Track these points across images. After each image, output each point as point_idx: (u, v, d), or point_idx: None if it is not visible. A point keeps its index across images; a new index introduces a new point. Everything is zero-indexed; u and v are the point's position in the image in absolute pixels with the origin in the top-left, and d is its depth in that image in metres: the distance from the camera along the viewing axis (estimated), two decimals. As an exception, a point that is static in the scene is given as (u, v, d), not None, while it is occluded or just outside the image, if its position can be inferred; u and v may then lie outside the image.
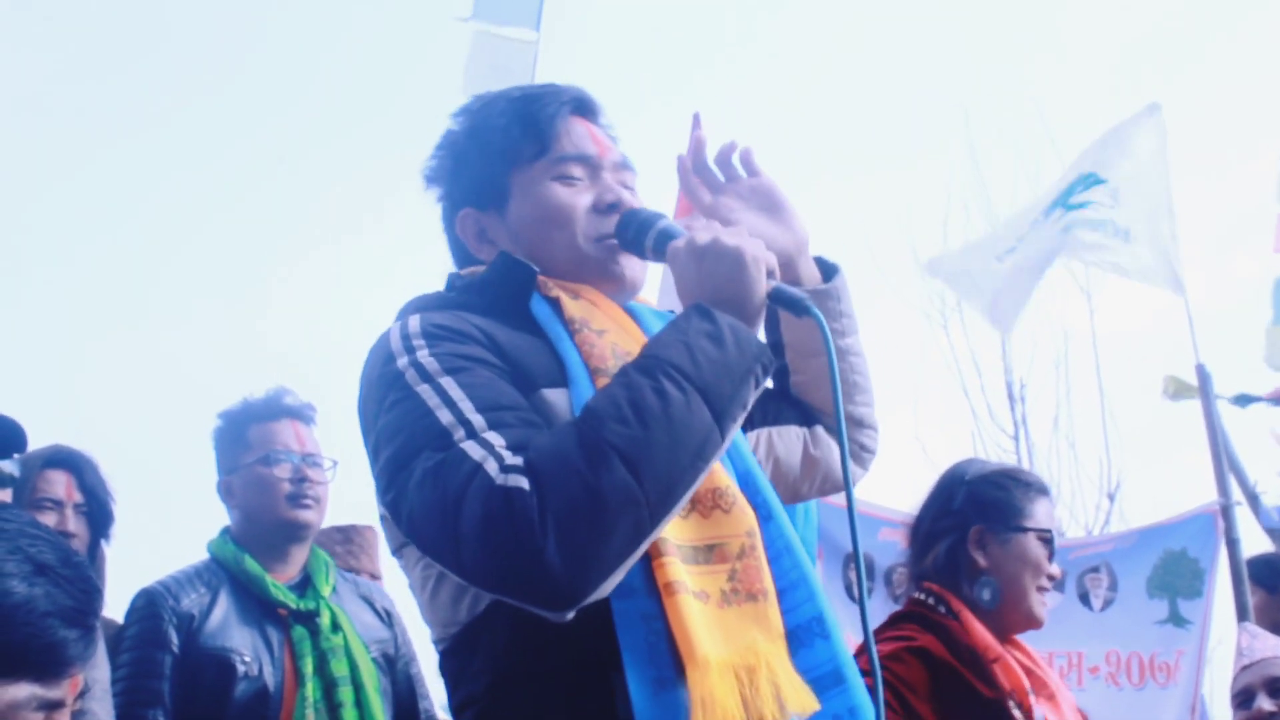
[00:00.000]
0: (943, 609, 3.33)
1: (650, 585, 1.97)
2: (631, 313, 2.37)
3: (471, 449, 1.91)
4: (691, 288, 2.09)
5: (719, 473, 2.10)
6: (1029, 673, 3.41)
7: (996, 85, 19.67)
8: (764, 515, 2.14)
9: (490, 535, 1.83)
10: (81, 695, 1.50)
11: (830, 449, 2.59)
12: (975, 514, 3.42)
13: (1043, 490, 3.59)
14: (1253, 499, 6.79)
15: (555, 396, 2.11)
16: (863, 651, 2.09)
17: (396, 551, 2.21)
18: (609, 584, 1.87)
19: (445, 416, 1.97)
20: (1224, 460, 6.74)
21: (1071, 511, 13.06)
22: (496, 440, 1.92)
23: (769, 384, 2.37)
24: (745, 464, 2.21)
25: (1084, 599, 6.38)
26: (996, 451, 13.33)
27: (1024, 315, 7.61)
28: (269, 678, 3.78)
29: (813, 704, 1.99)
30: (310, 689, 3.78)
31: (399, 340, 2.12)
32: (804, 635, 2.08)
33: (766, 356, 2.04)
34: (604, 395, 1.93)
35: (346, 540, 5.25)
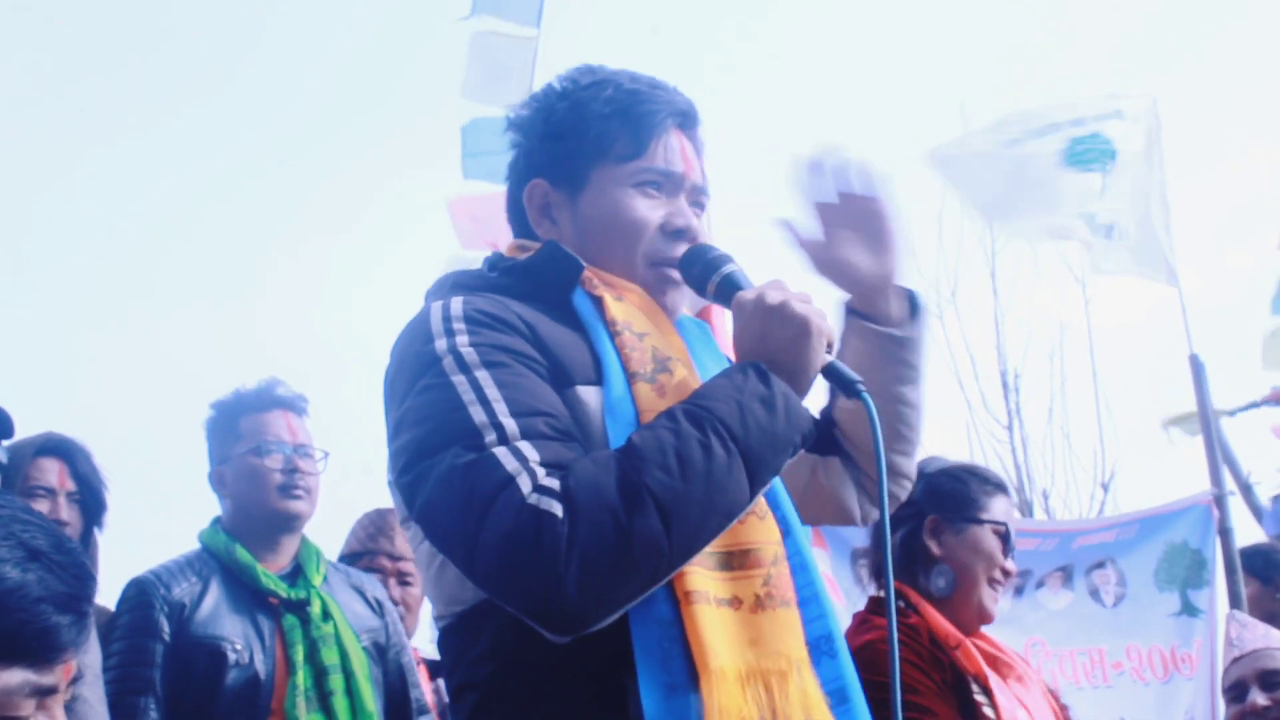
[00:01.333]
0: (902, 603, 3.32)
1: (669, 593, 1.96)
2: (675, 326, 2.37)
3: (505, 458, 1.90)
4: (752, 344, 2.10)
5: None
6: (994, 659, 3.41)
7: (993, 79, 19.66)
8: (783, 530, 2.14)
9: (512, 551, 1.84)
10: (74, 681, 1.50)
11: (843, 482, 2.57)
12: (931, 504, 3.41)
13: (1001, 488, 3.59)
14: (1246, 489, 6.81)
15: (589, 395, 2.10)
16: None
17: (404, 522, 2.19)
18: (613, 617, 1.88)
19: (478, 415, 1.96)
20: (1218, 451, 6.76)
21: (1065, 502, 13.08)
22: (531, 454, 1.91)
23: None
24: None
25: (1095, 595, 6.39)
26: (990, 442, 13.34)
27: (1020, 221, 7.57)
28: (260, 666, 3.78)
29: (828, 718, 2.01)
30: (301, 677, 3.79)
31: (440, 321, 2.10)
32: (813, 653, 2.08)
33: (809, 429, 2.07)
34: (651, 437, 1.92)
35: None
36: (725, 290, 2.23)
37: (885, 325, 2.40)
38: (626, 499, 1.84)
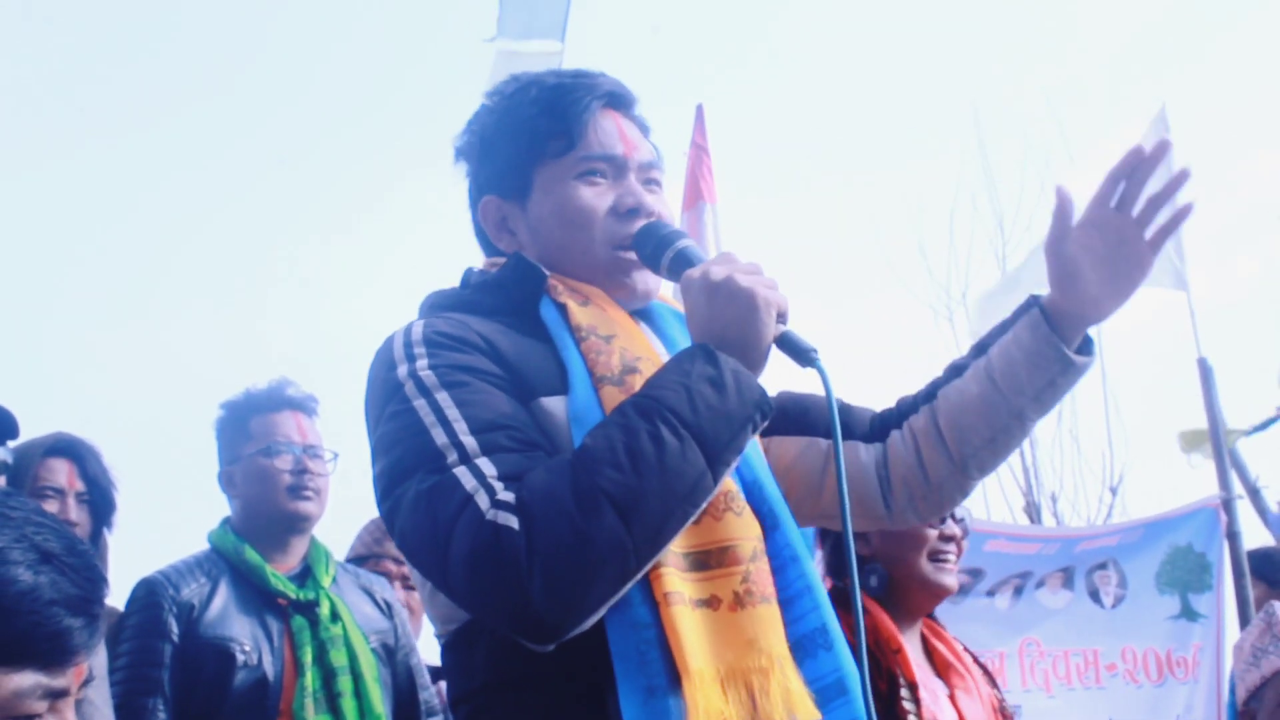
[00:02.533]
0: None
1: (646, 595, 1.96)
2: (649, 314, 2.37)
3: (464, 477, 1.91)
4: (700, 323, 2.08)
5: (731, 481, 2.09)
6: (946, 665, 3.39)
7: (1005, 78, 19.65)
8: (770, 524, 2.12)
9: (477, 570, 1.85)
10: (85, 684, 1.50)
11: (863, 476, 2.50)
12: None
13: None
14: (1254, 493, 6.81)
15: (554, 405, 2.10)
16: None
17: None
18: (591, 620, 1.88)
19: (440, 437, 1.98)
20: (1225, 455, 6.75)
21: (1074, 505, 13.06)
22: (488, 470, 1.92)
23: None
24: (754, 472, 2.19)
25: (1094, 596, 6.38)
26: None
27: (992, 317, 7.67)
28: (268, 667, 3.78)
29: (814, 714, 1.99)
30: (310, 678, 3.79)
31: (401, 347, 2.12)
32: (809, 645, 2.07)
33: (767, 403, 2.03)
34: (601, 436, 1.92)
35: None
36: (677, 267, 2.22)
37: (1065, 343, 2.35)
38: (581, 502, 1.84)
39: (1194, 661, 6.44)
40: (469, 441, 1.96)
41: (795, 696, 1.97)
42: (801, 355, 2.12)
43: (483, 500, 1.88)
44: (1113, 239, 2.31)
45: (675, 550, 1.99)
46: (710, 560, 2.02)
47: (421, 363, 2.07)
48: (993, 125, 20.02)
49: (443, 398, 2.02)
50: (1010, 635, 6.10)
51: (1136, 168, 2.28)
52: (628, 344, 2.17)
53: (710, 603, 1.99)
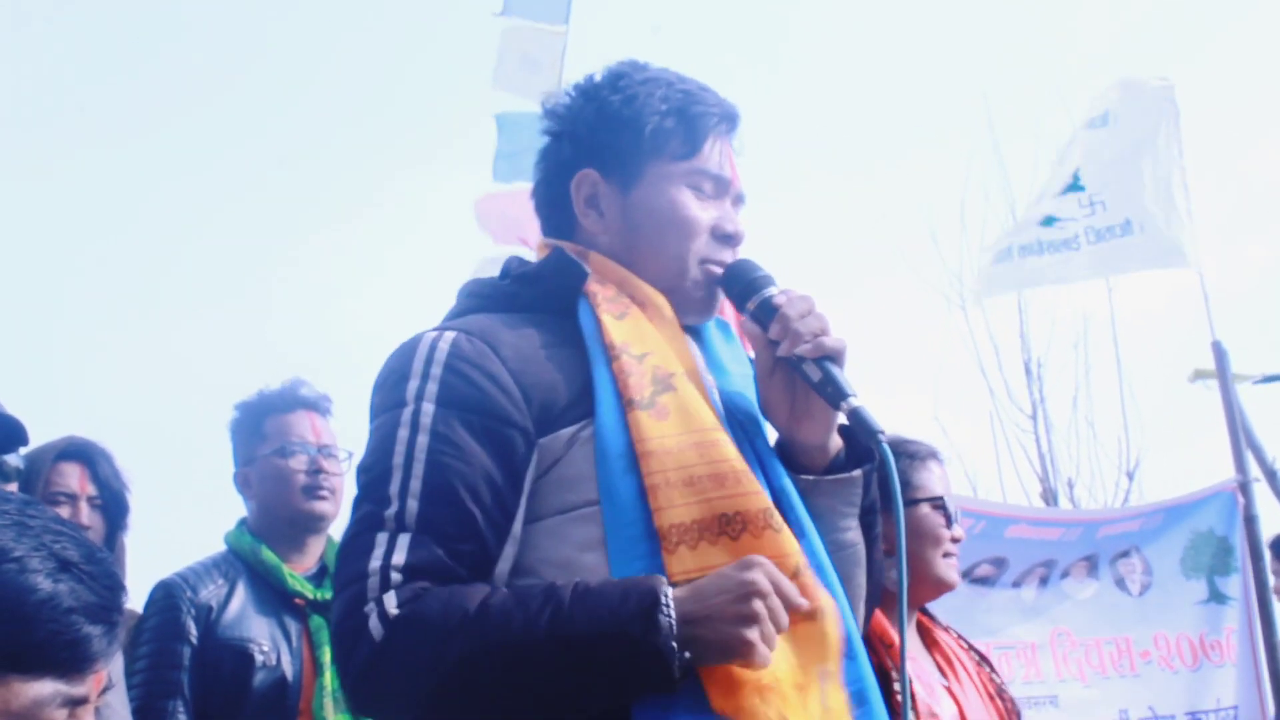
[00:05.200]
0: None
1: None
2: (699, 328, 2.38)
3: (378, 547, 2.01)
4: (699, 591, 1.95)
5: (763, 494, 2.09)
6: (946, 659, 3.40)
7: (1016, 67, 19.60)
8: (798, 533, 2.13)
9: (338, 638, 2.02)
10: (105, 691, 1.50)
11: None
12: None
13: (931, 454, 3.55)
14: (1271, 476, 6.78)
15: (558, 440, 2.11)
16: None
17: None
18: None
19: (394, 484, 2.05)
20: (1241, 438, 6.74)
21: (1090, 490, 13.04)
22: (399, 555, 1.99)
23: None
24: (779, 479, 2.20)
25: (1121, 585, 6.37)
26: (1015, 431, 13.30)
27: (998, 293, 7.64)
28: (287, 667, 3.79)
29: None
30: (329, 678, 3.79)
31: (423, 360, 2.14)
32: None
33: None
34: (503, 616, 1.92)
35: None
36: (761, 315, 2.23)
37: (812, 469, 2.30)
38: (435, 666, 1.92)
39: (1229, 645, 6.43)
40: (412, 506, 2.03)
41: (833, 713, 2.00)
42: (868, 435, 2.15)
43: (371, 589, 1.97)
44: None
45: (711, 570, 1.99)
46: None
47: (431, 387, 2.11)
48: (1004, 113, 19.95)
49: (421, 443, 2.07)
50: (1040, 626, 6.09)
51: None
52: (662, 360, 2.17)
53: None
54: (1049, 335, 13.56)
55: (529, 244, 6.10)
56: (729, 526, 2.03)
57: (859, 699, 2.07)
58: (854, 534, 2.29)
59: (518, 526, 2.08)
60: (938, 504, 3.42)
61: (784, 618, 1.94)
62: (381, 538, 2.01)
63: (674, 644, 1.87)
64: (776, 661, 1.96)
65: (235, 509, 4.19)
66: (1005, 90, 21.15)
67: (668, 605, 1.89)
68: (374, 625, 1.93)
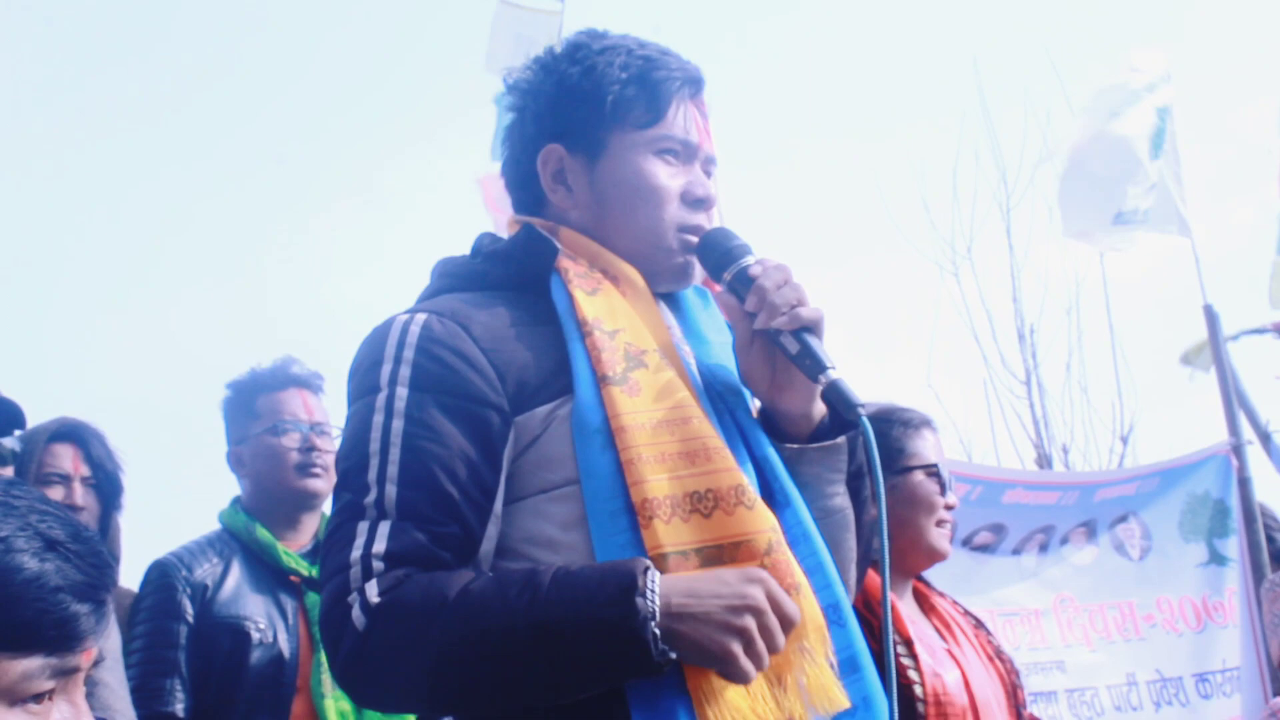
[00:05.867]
0: None
1: None
2: (675, 296, 2.38)
3: (359, 536, 2.01)
4: (689, 589, 1.94)
5: (736, 470, 2.09)
6: (946, 622, 3.41)
7: (1005, 31, 19.54)
8: (782, 501, 2.14)
9: (324, 627, 2.02)
10: (96, 665, 1.51)
11: None
12: None
13: (924, 422, 3.56)
14: (1264, 438, 6.80)
15: (535, 417, 2.11)
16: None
17: None
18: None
19: (372, 471, 2.05)
20: (1235, 400, 6.75)
21: (1085, 455, 13.05)
22: (379, 543, 1.99)
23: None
24: (762, 449, 2.20)
25: (1120, 549, 6.38)
26: (1009, 397, 13.31)
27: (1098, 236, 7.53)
28: (284, 644, 3.80)
29: (842, 701, 2.03)
30: (325, 655, 3.78)
31: (394, 345, 2.14)
32: None
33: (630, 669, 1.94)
34: (482, 600, 1.93)
35: None
36: (736, 286, 2.23)
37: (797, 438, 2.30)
38: (415, 651, 1.93)
39: (1231, 605, 6.45)
40: (390, 492, 2.03)
41: (813, 692, 2.00)
42: (847, 409, 2.14)
43: (354, 579, 1.97)
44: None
45: (690, 548, 2.00)
46: (723, 556, 2.02)
47: (404, 370, 2.10)
48: (993, 78, 19.88)
49: (396, 428, 2.07)
50: (1042, 592, 6.10)
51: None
52: (634, 337, 2.17)
53: None
54: (1041, 301, 13.53)
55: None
56: (700, 504, 2.02)
57: (850, 665, 2.08)
58: (841, 499, 2.29)
59: (498, 505, 2.08)
60: (932, 471, 3.43)
61: (779, 639, 1.94)
62: (362, 526, 2.01)
63: (653, 628, 1.86)
64: None
65: (229, 488, 4.20)
66: (994, 55, 21.08)
67: (648, 589, 1.88)
68: (356, 615, 1.94)
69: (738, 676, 1.90)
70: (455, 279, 2.31)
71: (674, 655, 1.89)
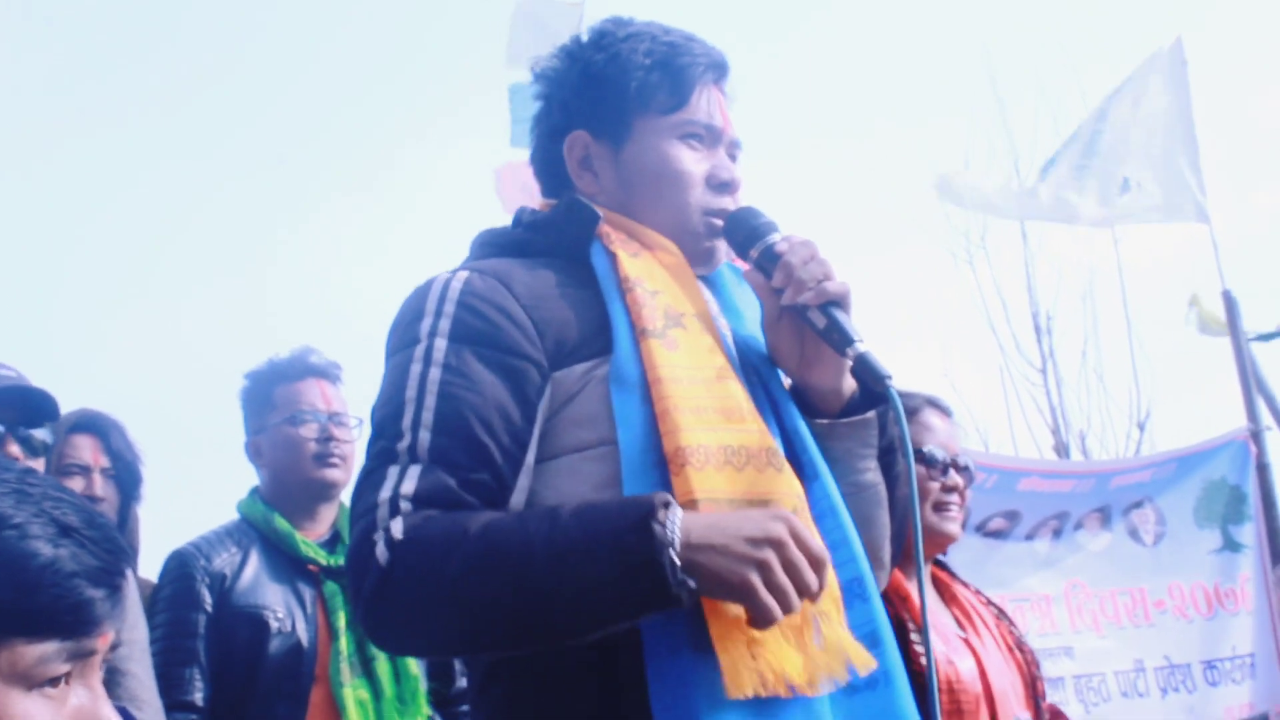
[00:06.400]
0: None
1: None
2: (709, 277, 2.38)
3: (388, 480, 2.02)
4: (712, 524, 1.91)
5: (766, 433, 2.10)
6: (965, 612, 3.41)
7: (1020, 22, 19.50)
8: (810, 474, 2.15)
9: (351, 569, 2.01)
10: (113, 649, 1.52)
11: None
12: None
13: (925, 404, 3.55)
14: (1283, 424, 6.79)
15: (573, 374, 2.11)
16: None
17: None
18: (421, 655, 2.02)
19: (407, 417, 2.05)
20: (1253, 386, 6.74)
21: (1102, 442, 13.06)
22: (409, 485, 1.99)
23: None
24: (793, 421, 2.21)
25: (1134, 535, 6.38)
26: (1025, 385, 13.31)
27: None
28: (302, 634, 3.81)
29: (868, 662, 2.02)
30: (344, 643, 3.81)
31: (435, 299, 2.15)
32: (845, 596, 2.09)
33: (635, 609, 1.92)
34: (503, 534, 1.92)
35: None
36: (764, 261, 2.24)
37: (828, 413, 2.30)
38: (440, 582, 1.91)
39: (1244, 592, 6.44)
40: (424, 437, 2.03)
41: (829, 652, 1.99)
42: (875, 380, 2.14)
43: (381, 519, 1.97)
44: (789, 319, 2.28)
45: (722, 499, 2.00)
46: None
47: (444, 324, 2.11)
48: (1006, 67, 19.86)
49: (433, 376, 2.07)
50: (1054, 578, 6.11)
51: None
52: (673, 299, 2.19)
53: None
54: (1057, 288, 13.59)
55: None
56: (733, 458, 2.03)
57: (872, 640, 2.07)
58: (874, 474, 2.29)
59: (530, 457, 2.09)
60: (919, 456, 3.42)
61: (807, 576, 1.89)
62: (393, 470, 2.01)
63: (671, 555, 1.84)
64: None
65: (247, 478, 4.22)
66: (1007, 44, 21.04)
67: (669, 519, 1.86)
68: (380, 551, 1.94)
69: (760, 611, 1.87)
70: (495, 248, 2.34)
71: (692, 585, 1.86)
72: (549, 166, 2.44)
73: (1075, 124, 7.63)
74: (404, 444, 2.03)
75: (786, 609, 1.88)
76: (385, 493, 1.99)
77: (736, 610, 1.92)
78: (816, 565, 1.91)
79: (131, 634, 3.41)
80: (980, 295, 13.95)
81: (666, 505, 1.88)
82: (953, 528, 3.47)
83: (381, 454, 2.05)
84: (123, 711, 1.59)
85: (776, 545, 1.88)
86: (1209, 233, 7.09)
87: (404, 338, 2.15)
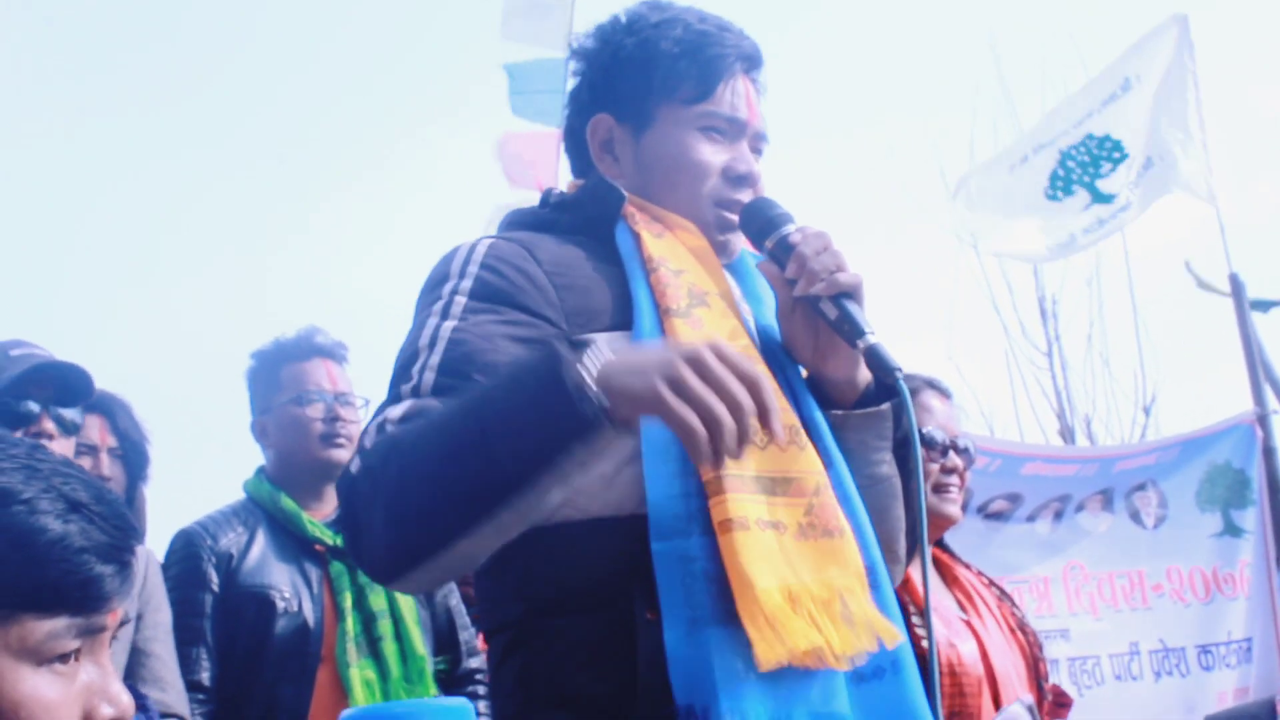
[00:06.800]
0: None
1: (694, 525, 1.97)
2: (730, 265, 2.37)
3: (385, 412, 1.98)
4: (626, 361, 1.81)
5: (791, 412, 2.12)
6: (967, 594, 3.42)
7: (1025, 9, 19.45)
8: (826, 461, 2.15)
9: (341, 500, 1.97)
10: (122, 624, 1.53)
11: None
12: None
13: (924, 385, 3.56)
14: (1289, 408, 6.77)
15: (614, 340, 2.04)
16: None
17: None
18: (426, 571, 1.89)
19: (419, 361, 2.04)
20: (1260, 370, 6.73)
21: (1108, 426, 13.04)
22: (397, 410, 1.97)
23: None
24: (809, 410, 2.21)
25: (1135, 518, 6.38)
26: (1030, 369, 13.30)
27: (1015, 248, 7.68)
28: (309, 613, 3.82)
29: (895, 635, 2.03)
30: (350, 623, 3.82)
31: (460, 262, 2.16)
32: None
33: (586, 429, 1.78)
34: (438, 416, 1.89)
35: None
36: (780, 252, 2.24)
37: (841, 403, 2.30)
38: (394, 482, 1.86)
39: (1242, 577, 6.44)
40: (428, 378, 2.01)
41: (858, 625, 1.99)
42: (885, 373, 2.15)
43: (368, 439, 1.95)
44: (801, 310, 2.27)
45: (748, 474, 2.00)
46: (777, 488, 2.04)
47: (465, 283, 2.12)
48: (1010, 48, 19.82)
49: (447, 326, 2.06)
50: (1053, 559, 6.12)
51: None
52: (697, 279, 2.19)
53: (777, 527, 2.01)
54: (1062, 272, 13.52)
55: (543, 189, 6.11)
56: (755, 435, 2.01)
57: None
58: (888, 467, 2.29)
59: None
60: (925, 440, 3.43)
61: (732, 386, 1.73)
62: (391, 409, 2.00)
63: (578, 371, 1.74)
64: (798, 571, 1.97)
65: (253, 458, 4.24)
66: (1011, 26, 21.00)
67: (583, 355, 1.77)
68: (355, 463, 1.93)
69: (676, 423, 1.72)
70: (523, 226, 2.35)
71: (607, 404, 1.73)
72: (576, 146, 2.45)
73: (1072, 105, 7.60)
74: (408, 385, 2.02)
75: (711, 424, 1.71)
76: (378, 418, 1.99)
77: (765, 582, 1.91)
78: (748, 382, 1.75)
79: (156, 615, 3.44)
80: (985, 278, 13.93)
81: (582, 343, 1.80)
82: (952, 509, 3.49)
83: (389, 396, 2.05)
84: (133, 690, 1.60)
85: (691, 360, 1.73)
86: (1216, 215, 7.07)
87: (428, 299, 2.16)
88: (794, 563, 1.99)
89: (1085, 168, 7.32)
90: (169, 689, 3.38)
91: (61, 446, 3.31)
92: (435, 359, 2.03)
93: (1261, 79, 18.16)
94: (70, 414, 3.29)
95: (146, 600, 3.43)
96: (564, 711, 2.03)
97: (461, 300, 2.10)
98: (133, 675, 3.31)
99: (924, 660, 2.11)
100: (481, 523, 1.81)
